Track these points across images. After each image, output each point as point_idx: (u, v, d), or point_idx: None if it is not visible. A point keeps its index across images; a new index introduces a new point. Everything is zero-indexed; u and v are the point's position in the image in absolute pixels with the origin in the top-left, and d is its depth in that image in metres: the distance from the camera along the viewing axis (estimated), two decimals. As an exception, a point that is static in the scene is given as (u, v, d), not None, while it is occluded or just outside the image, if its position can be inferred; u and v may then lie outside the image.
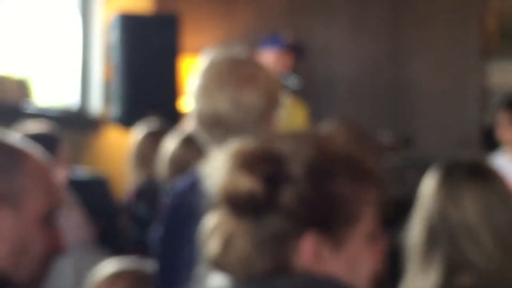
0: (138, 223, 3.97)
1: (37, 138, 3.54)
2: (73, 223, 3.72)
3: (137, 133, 4.12)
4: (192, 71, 2.28)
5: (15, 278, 1.39)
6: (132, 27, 5.30)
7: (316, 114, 5.56)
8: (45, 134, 3.61)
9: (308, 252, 1.21)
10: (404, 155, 4.45)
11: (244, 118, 2.11)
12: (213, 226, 1.24)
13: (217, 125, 2.13)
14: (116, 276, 2.28)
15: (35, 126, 3.62)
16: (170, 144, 3.50)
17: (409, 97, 6.10)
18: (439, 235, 1.87)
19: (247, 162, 1.21)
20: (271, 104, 2.18)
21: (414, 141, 4.41)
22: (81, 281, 3.52)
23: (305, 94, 5.13)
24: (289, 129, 4.83)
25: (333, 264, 1.23)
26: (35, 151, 1.47)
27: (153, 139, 3.97)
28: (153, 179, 3.95)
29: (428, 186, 1.95)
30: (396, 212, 4.52)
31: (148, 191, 3.94)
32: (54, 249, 1.45)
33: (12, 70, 4.75)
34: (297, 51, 5.07)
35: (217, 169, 1.23)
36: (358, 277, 1.25)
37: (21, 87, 4.51)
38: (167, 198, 2.25)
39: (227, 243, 1.22)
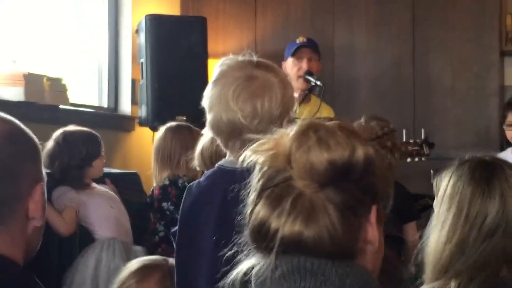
0: (164, 219, 4.03)
1: (85, 137, 3.80)
2: (104, 214, 3.89)
3: (159, 132, 4.18)
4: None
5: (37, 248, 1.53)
6: (160, 29, 5.28)
7: (338, 113, 5.66)
8: (91, 134, 3.85)
9: (374, 225, 1.25)
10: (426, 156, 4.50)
11: (258, 126, 2.07)
12: (282, 207, 1.20)
13: (232, 133, 2.11)
14: (147, 270, 2.24)
15: (76, 127, 3.83)
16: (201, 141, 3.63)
17: (430, 96, 6.09)
18: (498, 231, 1.86)
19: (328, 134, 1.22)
20: (285, 111, 2.15)
21: (435, 144, 4.46)
22: (100, 273, 3.68)
23: (327, 94, 5.17)
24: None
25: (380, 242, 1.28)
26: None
27: (174, 137, 4.09)
28: (177, 176, 4.09)
29: (458, 184, 1.94)
30: (417, 208, 4.62)
31: (171, 188, 4.01)
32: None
33: (46, 70, 4.83)
34: (313, 48, 5.07)
35: (282, 146, 1.23)
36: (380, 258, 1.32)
37: (55, 87, 4.56)
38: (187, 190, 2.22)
39: (309, 218, 1.19)
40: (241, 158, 1.27)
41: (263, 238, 1.22)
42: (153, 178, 4.13)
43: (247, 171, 1.29)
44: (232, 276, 1.27)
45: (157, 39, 5.26)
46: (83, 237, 3.79)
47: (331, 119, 1.30)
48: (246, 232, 1.25)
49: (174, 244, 2.19)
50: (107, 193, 3.92)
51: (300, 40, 5.07)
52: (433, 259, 1.91)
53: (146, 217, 4.18)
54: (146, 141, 5.47)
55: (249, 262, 1.25)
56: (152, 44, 5.25)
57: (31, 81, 4.32)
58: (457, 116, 6.06)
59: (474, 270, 1.84)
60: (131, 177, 4.43)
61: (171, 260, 2.21)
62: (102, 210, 3.81)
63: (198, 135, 4.16)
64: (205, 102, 2.16)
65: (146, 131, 5.42)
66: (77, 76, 5.54)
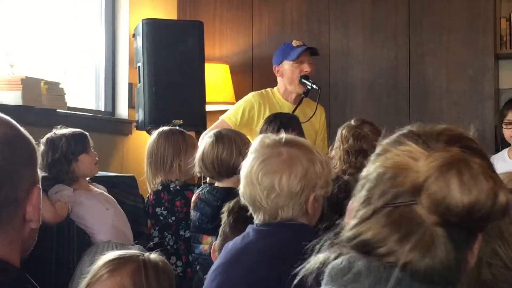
0: (158, 225, 4.02)
1: (68, 133, 3.84)
2: (102, 218, 3.90)
3: (151, 136, 4.18)
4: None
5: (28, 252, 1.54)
6: (157, 33, 5.29)
7: (334, 117, 5.69)
8: (76, 131, 3.88)
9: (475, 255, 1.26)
10: None
11: (278, 201, 2.22)
12: (403, 234, 1.20)
13: (254, 207, 2.26)
14: (121, 261, 2.16)
15: (61, 129, 3.87)
16: (201, 145, 3.66)
17: (425, 99, 6.11)
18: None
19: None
20: (308, 187, 2.24)
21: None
22: None
23: (323, 98, 5.21)
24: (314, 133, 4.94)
25: None
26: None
27: (166, 141, 4.09)
28: (169, 181, 4.07)
29: None
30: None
31: (164, 193, 4.01)
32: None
33: (43, 75, 4.85)
34: (311, 49, 5.10)
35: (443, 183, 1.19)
36: None
37: (53, 91, 4.58)
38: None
39: (427, 251, 1.19)
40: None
41: (366, 251, 1.23)
42: (147, 183, 4.14)
43: None
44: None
45: (154, 43, 5.27)
46: (80, 240, 3.80)
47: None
48: (346, 234, 1.25)
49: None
50: (102, 195, 3.93)
51: (297, 43, 5.08)
52: None
53: (142, 221, 4.18)
54: (143, 145, 5.39)
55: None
56: (149, 48, 5.26)
57: (28, 85, 4.34)
58: (453, 119, 6.08)
59: None
60: (128, 180, 4.44)
61: (147, 255, 2.20)
62: (99, 212, 3.82)
63: (191, 140, 4.19)
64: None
65: (143, 134, 5.44)
66: (74, 80, 5.57)
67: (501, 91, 6.17)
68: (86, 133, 3.92)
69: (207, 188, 3.59)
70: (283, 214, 2.23)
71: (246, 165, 2.26)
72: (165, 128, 4.19)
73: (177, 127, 4.48)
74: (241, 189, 2.28)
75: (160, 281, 2.15)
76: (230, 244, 2.33)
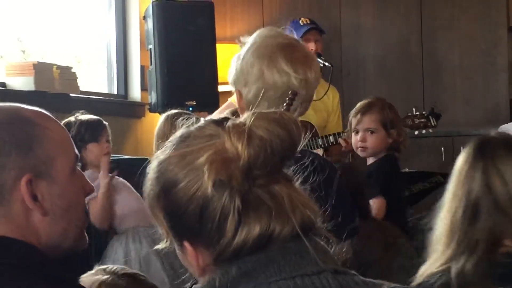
0: None
1: (83, 120, 3.81)
2: (128, 205, 3.89)
3: (159, 120, 4.18)
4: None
5: (66, 243, 1.50)
6: (167, 14, 5.27)
7: (347, 94, 5.67)
8: (91, 119, 3.85)
9: None
10: (435, 130, 4.49)
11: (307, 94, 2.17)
12: None
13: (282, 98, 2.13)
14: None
15: (82, 114, 3.84)
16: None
17: (438, 74, 6.10)
18: (483, 208, 1.86)
19: None
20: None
21: (442, 117, 4.45)
22: (131, 264, 3.66)
23: (335, 75, 5.19)
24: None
25: None
26: (43, 114, 1.54)
27: (173, 124, 4.11)
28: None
29: (463, 162, 1.92)
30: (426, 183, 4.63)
31: None
32: (86, 192, 1.56)
33: (55, 59, 4.86)
34: (319, 30, 5.07)
35: None
36: None
37: (65, 75, 4.58)
38: None
39: None
40: None
41: None
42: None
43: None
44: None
45: (165, 25, 5.25)
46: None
47: None
48: None
49: None
50: (120, 181, 3.91)
51: (304, 21, 5.06)
52: (434, 239, 1.93)
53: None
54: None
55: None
56: (160, 30, 5.24)
57: (40, 70, 4.35)
58: (466, 93, 6.07)
59: (466, 251, 1.85)
60: (142, 163, 4.43)
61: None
62: (126, 201, 3.81)
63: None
64: (243, 73, 2.17)
65: (156, 117, 5.42)
66: (86, 64, 5.57)
67: (514, 64, 6.14)
68: (105, 122, 3.88)
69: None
70: None
71: (257, 55, 2.19)
72: (173, 111, 4.17)
73: (190, 109, 4.45)
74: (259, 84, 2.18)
75: None
76: None
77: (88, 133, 3.77)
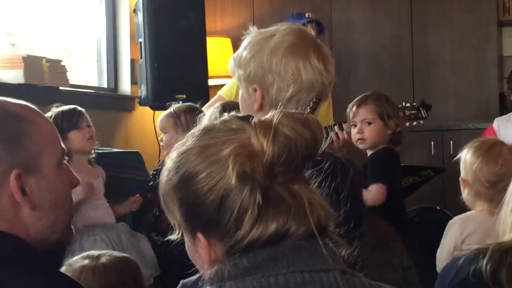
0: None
1: (57, 111, 3.78)
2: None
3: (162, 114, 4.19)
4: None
5: (54, 236, 1.52)
6: (158, 7, 5.25)
7: (337, 89, 5.67)
8: (66, 109, 3.83)
9: None
10: (426, 125, 4.51)
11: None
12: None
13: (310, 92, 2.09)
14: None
15: (57, 108, 3.83)
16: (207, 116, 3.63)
17: (429, 69, 6.11)
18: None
19: None
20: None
21: (433, 111, 4.46)
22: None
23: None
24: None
25: None
26: (30, 108, 1.54)
27: (176, 118, 4.09)
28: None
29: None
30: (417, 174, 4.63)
31: None
32: (73, 185, 1.58)
33: (45, 52, 4.84)
34: (319, 26, 5.10)
35: None
36: None
37: (55, 69, 4.56)
38: None
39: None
40: None
41: None
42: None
43: None
44: None
45: (155, 18, 5.24)
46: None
47: None
48: None
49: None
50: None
51: (308, 15, 5.06)
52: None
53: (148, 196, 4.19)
54: (147, 121, 5.48)
55: None
56: (150, 23, 5.22)
57: (30, 63, 4.33)
58: (457, 88, 6.08)
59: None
60: (133, 156, 4.44)
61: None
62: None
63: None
64: (271, 70, 2.05)
65: (146, 110, 5.43)
66: (76, 57, 5.55)
67: (505, 59, 6.16)
68: (80, 108, 3.84)
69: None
70: None
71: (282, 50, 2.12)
72: (177, 105, 4.22)
73: (180, 103, 4.46)
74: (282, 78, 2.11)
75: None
76: None
77: (65, 122, 3.73)
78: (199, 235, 1.26)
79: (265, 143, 1.22)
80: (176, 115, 4.11)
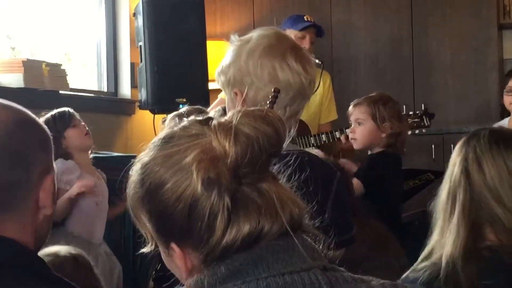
0: None
1: (51, 116, 3.80)
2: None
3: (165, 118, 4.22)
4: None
5: (45, 238, 1.53)
6: (158, 11, 5.26)
7: (338, 92, 5.66)
8: (55, 112, 3.83)
9: None
10: (427, 129, 4.52)
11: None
12: None
13: (294, 98, 2.10)
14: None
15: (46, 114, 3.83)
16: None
17: (429, 72, 6.10)
18: (461, 193, 1.90)
19: None
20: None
21: (434, 115, 4.46)
22: None
23: (326, 72, 5.18)
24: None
25: None
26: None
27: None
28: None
29: (454, 153, 1.98)
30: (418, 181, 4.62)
31: None
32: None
33: (45, 56, 4.84)
34: (318, 30, 5.08)
35: None
36: None
37: (55, 72, 4.56)
38: None
39: None
40: None
41: None
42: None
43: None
44: None
45: (155, 22, 5.24)
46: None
47: None
48: None
49: None
50: (100, 186, 3.88)
51: (308, 18, 5.06)
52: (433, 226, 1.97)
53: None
54: (147, 124, 5.48)
55: None
56: (150, 27, 5.23)
57: (30, 67, 4.33)
58: (457, 91, 6.08)
59: (454, 243, 1.86)
60: (132, 160, 4.43)
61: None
62: (89, 206, 3.79)
63: None
64: (249, 73, 2.08)
65: (146, 114, 5.43)
66: (76, 61, 5.55)
67: (505, 61, 6.15)
68: (69, 109, 3.86)
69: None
70: None
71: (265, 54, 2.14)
72: (184, 108, 4.20)
73: (180, 106, 4.45)
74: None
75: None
76: None
77: (58, 122, 3.76)
78: (173, 245, 1.24)
79: (227, 145, 1.20)
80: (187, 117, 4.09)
